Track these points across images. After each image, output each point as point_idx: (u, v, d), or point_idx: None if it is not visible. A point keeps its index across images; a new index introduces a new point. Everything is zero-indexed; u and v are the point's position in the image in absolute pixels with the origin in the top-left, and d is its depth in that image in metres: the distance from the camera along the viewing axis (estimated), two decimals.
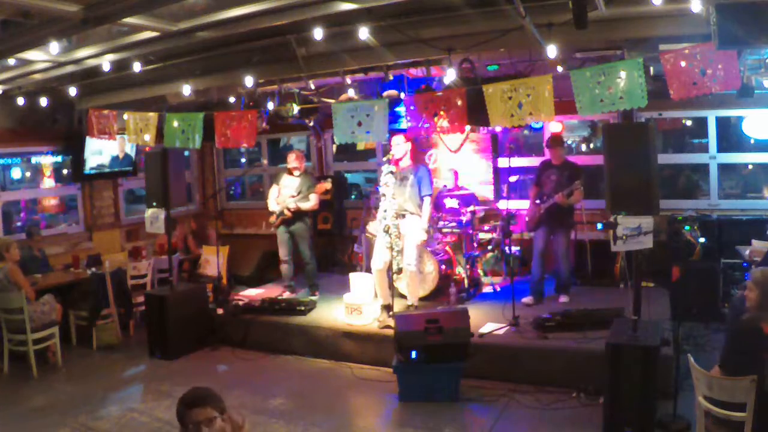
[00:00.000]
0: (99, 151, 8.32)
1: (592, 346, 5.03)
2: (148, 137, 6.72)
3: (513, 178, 7.06)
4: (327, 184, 7.03)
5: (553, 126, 7.36)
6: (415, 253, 6.02)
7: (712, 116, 7.12)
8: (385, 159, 6.10)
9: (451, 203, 7.45)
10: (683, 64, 4.18)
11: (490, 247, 7.45)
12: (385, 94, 6.94)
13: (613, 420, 4.17)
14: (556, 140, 6.54)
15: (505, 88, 4.87)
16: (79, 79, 6.85)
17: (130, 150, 8.67)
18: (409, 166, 6.20)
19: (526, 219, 6.72)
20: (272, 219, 7.21)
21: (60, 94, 7.36)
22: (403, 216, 6.07)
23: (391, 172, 5.96)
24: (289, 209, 7.04)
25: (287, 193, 7.10)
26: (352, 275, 6.51)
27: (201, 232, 9.00)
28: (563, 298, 6.52)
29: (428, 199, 6.11)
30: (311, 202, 7.08)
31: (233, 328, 6.73)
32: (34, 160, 8.50)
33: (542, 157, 7.80)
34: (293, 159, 7.16)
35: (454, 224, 7.20)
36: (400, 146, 6.17)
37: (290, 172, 7.20)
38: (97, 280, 6.88)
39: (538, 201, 6.48)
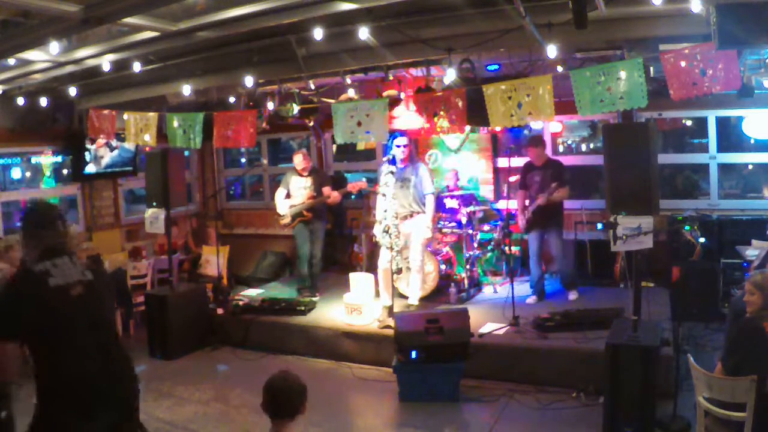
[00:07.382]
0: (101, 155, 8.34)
1: (592, 346, 5.03)
2: (148, 137, 6.73)
3: (513, 178, 7.05)
4: (362, 183, 7.04)
5: (554, 126, 7.34)
6: (421, 251, 6.07)
7: (712, 116, 7.12)
8: (385, 159, 6.10)
9: (451, 203, 7.45)
10: (683, 64, 4.18)
11: (490, 247, 7.45)
12: (384, 93, 6.94)
13: (613, 420, 4.16)
14: (536, 140, 6.48)
15: (505, 89, 4.88)
16: (79, 79, 6.84)
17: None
18: (409, 166, 6.22)
19: (520, 224, 6.70)
20: (286, 220, 7.18)
21: (60, 94, 7.35)
22: (411, 216, 6.13)
23: (391, 172, 5.97)
24: (307, 211, 7.03)
25: (302, 193, 7.09)
26: (352, 275, 6.50)
27: (201, 232, 8.99)
28: (572, 296, 6.56)
29: (431, 197, 6.22)
30: (335, 198, 7.04)
31: (233, 328, 6.73)
32: (34, 160, 8.48)
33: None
34: (301, 160, 7.12)
35: (454, 224, 7.20)
36: (405, 148, 6.22)
37: (300, 173, 7.17)
38: None
39: (527, 202, 6.46)
